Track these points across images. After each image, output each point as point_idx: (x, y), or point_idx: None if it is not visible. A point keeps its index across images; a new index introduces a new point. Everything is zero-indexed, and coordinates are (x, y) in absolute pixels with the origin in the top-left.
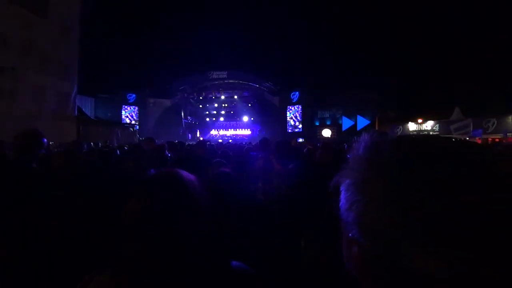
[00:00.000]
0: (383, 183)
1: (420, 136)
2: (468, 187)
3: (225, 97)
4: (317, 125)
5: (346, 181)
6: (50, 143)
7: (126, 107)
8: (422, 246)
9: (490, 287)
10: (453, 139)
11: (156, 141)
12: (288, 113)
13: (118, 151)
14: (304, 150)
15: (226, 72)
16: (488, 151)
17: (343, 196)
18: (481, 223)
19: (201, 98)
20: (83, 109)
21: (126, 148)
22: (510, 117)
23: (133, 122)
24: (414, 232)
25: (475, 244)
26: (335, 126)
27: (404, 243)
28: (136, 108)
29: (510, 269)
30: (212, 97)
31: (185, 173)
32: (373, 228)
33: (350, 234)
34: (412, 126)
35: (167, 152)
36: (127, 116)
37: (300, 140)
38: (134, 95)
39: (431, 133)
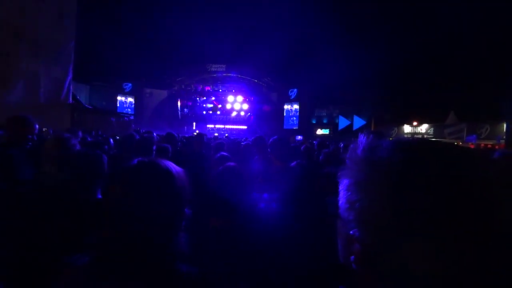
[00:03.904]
0: (385, 183)
1: (415, 140)
2: (453, 189)
3: (223, 91)
4: (314, 123)
5: (345, 181)
6: (44, 129)
7: (121, 96)
8: (414, 243)
9: (476, 285)
10: (445, 144)
11: (155, 133)
12: (285, 109)
13: (111, 140)
14: (302, 148)
15: (225, 65)
16: (475, 158)
17: (342, 195)
18: (466, 225)
19: (198, 90)
20: (78, 97)
21: (117, 138)
22: (503, 124)
23: (128, 111)
24: (407, 230)
25: (458, 243)
26: (332, 125)
27: (399, 240)
28: (132, 97)
29: (488, 267)
30: (209, 90)
31: (168, 164)
32: (373, 225)
33: (351, 232)
34: (407, 128)
35: (166, 144)
36: (122, 105)
37: (299, 137)
38: (130, 85)
39: (425, 136)
